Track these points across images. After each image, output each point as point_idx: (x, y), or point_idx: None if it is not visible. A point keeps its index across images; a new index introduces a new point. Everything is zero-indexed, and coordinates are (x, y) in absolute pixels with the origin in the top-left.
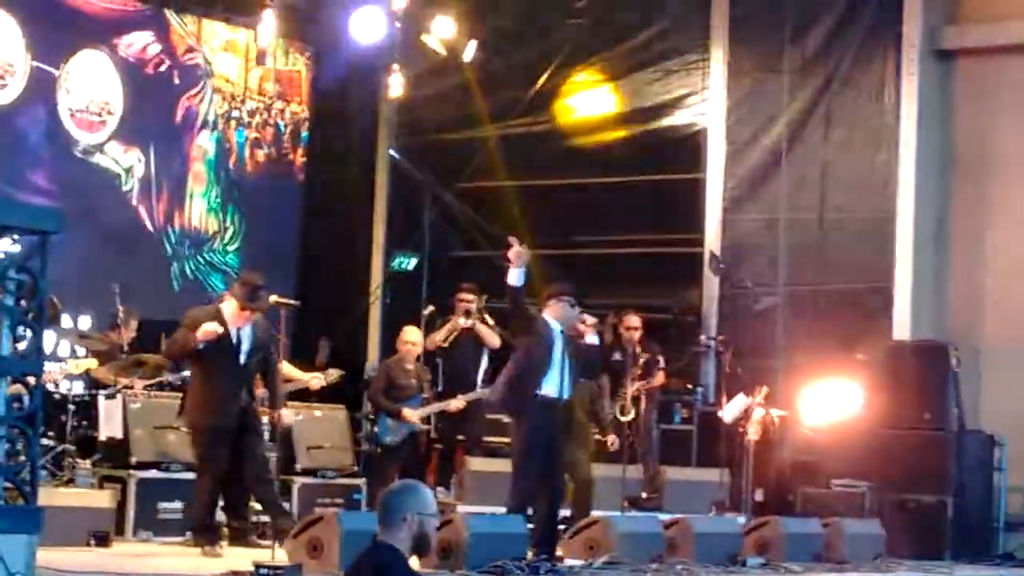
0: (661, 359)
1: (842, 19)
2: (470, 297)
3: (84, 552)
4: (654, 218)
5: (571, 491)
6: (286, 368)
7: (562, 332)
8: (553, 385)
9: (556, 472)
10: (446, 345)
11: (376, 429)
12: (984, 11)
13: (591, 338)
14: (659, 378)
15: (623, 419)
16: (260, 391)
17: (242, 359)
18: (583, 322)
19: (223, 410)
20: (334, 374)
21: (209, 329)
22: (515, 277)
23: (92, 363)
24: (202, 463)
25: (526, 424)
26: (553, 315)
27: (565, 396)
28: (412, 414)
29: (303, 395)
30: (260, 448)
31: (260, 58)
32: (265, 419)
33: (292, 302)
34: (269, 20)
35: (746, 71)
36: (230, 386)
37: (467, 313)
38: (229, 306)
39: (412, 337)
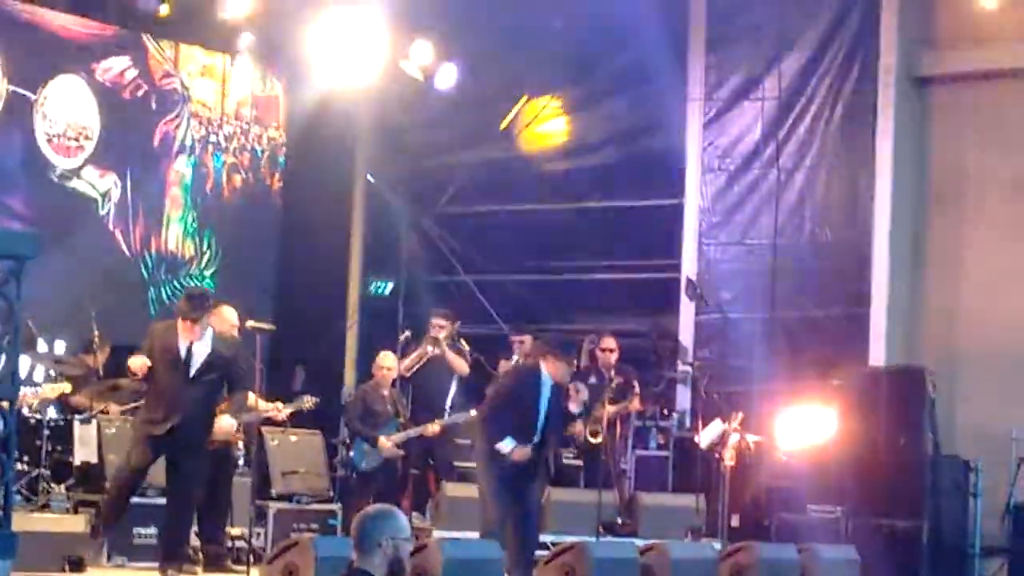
0: (636, 383)
1: (819, 45)
2: (442, 323)
3: None
4: (630, 244)
5: None
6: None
7: (554, 386)
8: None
9: (528, 497)
10: (407, 375)
11: (352, 455)
12: (959, 38)
13: (573, 407)
14: (634, 403)
15: (593, 442)
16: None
17: (191, 373)
18: (576, 391)
19: (159, 418)
20: (309, 401)
21: (136, 364)
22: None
23: (66, 387)
24: (119, 464)
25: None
26: (551, 370)
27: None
28: (387, 444)
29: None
30: (198, 468)
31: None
32: (240, 443)
33: (267, 327)
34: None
35: (723, 97)
36: (174, 399)
37: (435, 341)
38: (180, 322)
39: (388, 363)
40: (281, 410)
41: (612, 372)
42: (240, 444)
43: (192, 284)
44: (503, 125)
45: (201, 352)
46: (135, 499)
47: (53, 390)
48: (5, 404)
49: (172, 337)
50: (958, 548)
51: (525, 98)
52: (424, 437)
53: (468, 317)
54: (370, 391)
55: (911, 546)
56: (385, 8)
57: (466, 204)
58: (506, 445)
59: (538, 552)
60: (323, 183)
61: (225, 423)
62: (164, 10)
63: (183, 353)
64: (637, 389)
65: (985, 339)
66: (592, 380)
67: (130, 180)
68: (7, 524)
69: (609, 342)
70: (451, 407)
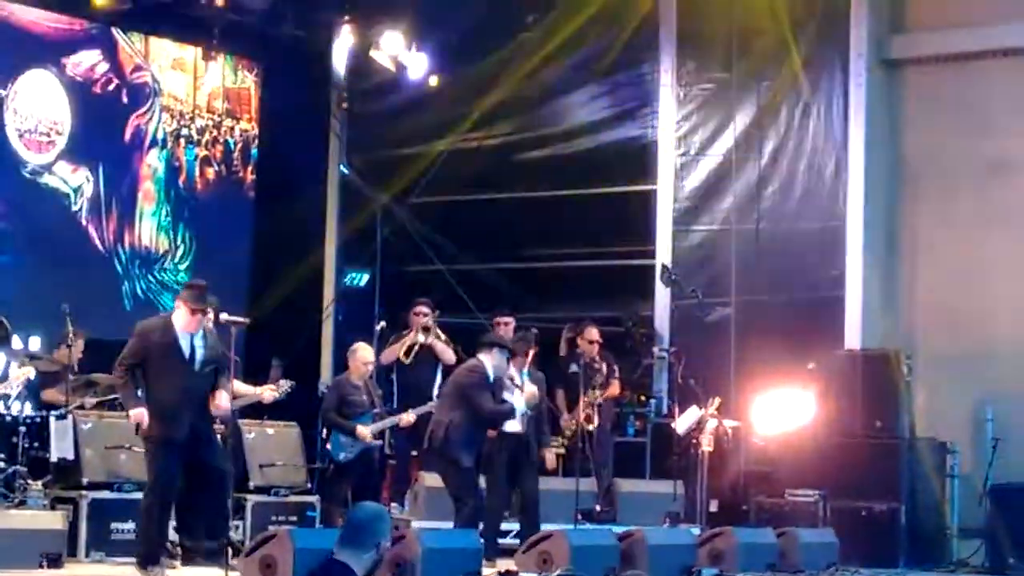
0: (615, 369)
1: (790, 29)
2: (426, 311)
3: (36, 574)
4: (605, 230)
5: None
6: (237, 385)
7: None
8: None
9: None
10: (408, 361)
11: (329, 447)
12: (930, 21)
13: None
14: (614, 388)
15: (589, 428)
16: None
17: (196, 366)
18: (511, 379)
19: (175, 419)
20: (285, 384)
21: (137, 416)
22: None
23: (30, 371)
24: (154, 477)
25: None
26: (491, 362)
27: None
28: (365, 432)
29: (256, 412)
30: (219, 462)
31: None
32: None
33: (242, 320)
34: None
35: (694, 82)
36: (186, 395)
37: (425, 329)
38: (180, 315)
39: (363, 354)
40: (264, 391)
41: (597, 359)
42: (218, 437)
43: (166, 278)
44: (476, 113)
45: (201, 345)
46: (112, 494)
47: (19, 376)
48: None
49: (170, 332)
50: (936, 530)
51: (498, 86)
52: (404, 428)
53: (444, 307)
54: (345, 382)
55: (889, 528)
56: None
57: (440, 193)
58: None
59: (515, 540)
60: (296, 175)
61: (224, 400)
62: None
63: (187, 347)
64: (617, 374)
65: (960, 321)
66: (573, 368)
67: (102, 175)
68: None
69: (594, 333)
70: (438, 396)
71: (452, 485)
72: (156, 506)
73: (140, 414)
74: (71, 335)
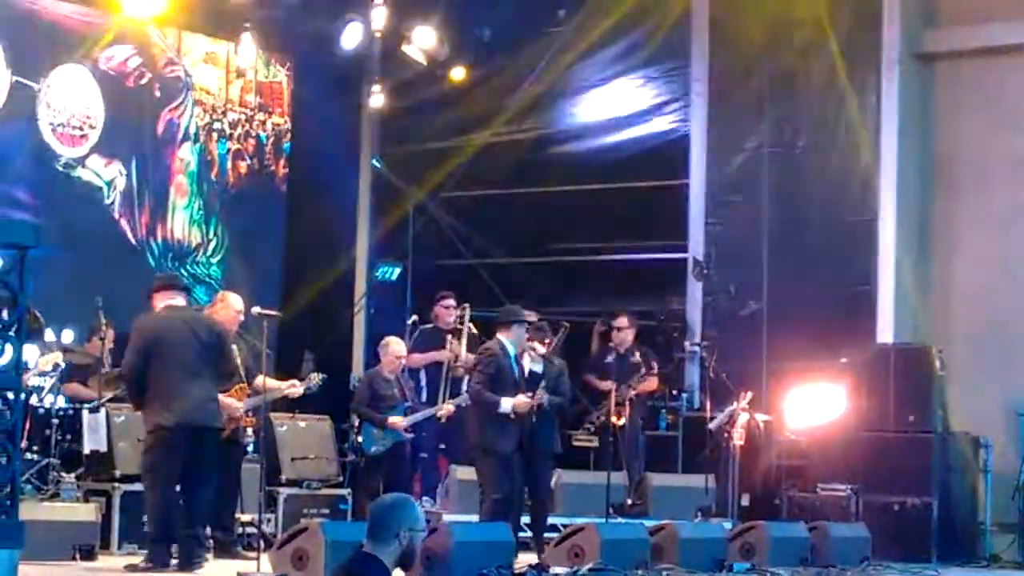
0: (654, 364)
1: (821, 23)
2: (452, 303)
3: (70, 566)
4: (638, 225)
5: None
6: (263, 379)
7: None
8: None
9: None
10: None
11: (360, 439)
12: (962, 14)
13: (534, 365)
14: (651, 382)
15: (618, 423)
16: (245, 401)
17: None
18: (534, 350)
19: (176, 408)
20: (316, 378)
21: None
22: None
23: (57, 356)
24: (155, 468)
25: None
26: (510, 338)
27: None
28: (398, 420)
29: (288, 405)
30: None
31: (240, 73)
32: (249, 430)
33: (274, 313)
34: (248, 40)
35: (726, 76)
36: (189, 385)
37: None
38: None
39: (395, 348)
40: (297, 386)
41: (633, 349)
42: (249, 431)
43: (199, 271)
44: (508, 108)
45: (204, 330)
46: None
47: (46, 362)
48: (11, 394)
49: (174, 322)
50: (968, 525)
51: (529, 81)
52: (435, 421)
53: (476, 301)
54: (376, 376)
55: (921, 523)
56: None
57: (473, 188)
58: (506, 404)
59: (548, 534)
60: (328, 169)
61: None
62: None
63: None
64: (656, 369)
65: (993, 315)
66: (608, 359)
67: (135, 168)
68: (14, 513)
69: (623, 320)
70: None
71: (477, 475)
72: (159, 496)
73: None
74: (104, 327)
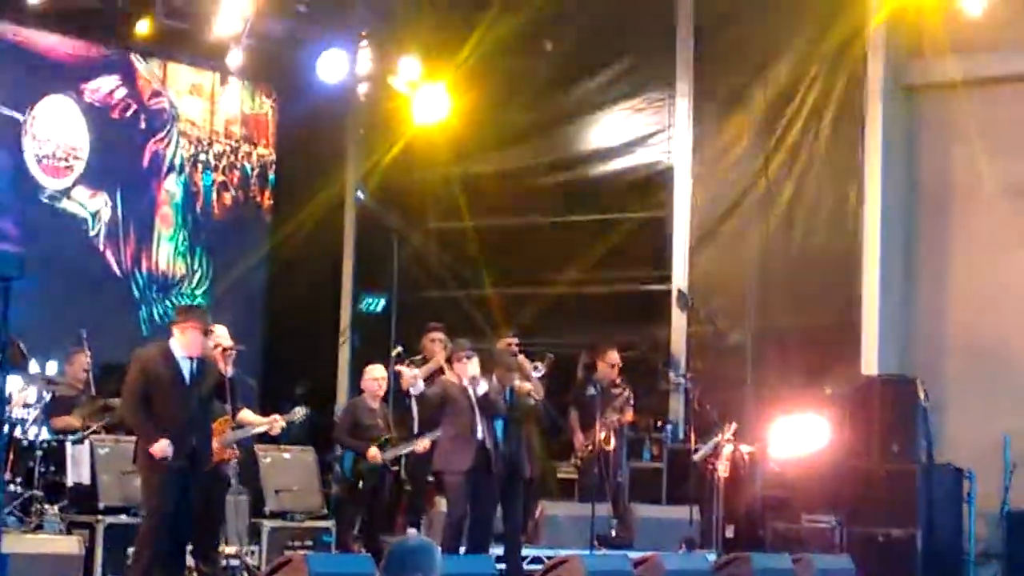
0: (630, 395)
1: (806, 54)
2: (441, 336)
3: None
4: (621, 255)
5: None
6: (245, 414)
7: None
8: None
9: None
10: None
11: (340, 468)
12: (947, 46)
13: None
14: (628, 414)
15: (607, 448)
16: (227, 435)
17: (203, 391)
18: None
19: (178, 446)
20: (299, 412)
21: (159, 451)
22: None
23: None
24: (149, 509)
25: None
26: (459, 372)
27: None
28: (376, 453)
29: (272, 436)
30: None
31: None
32: (232, 462)
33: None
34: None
35: (711, 108)
36: (186, 421)
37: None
38: (184, 339)
39: (377, 374)
40: (279, 420)
41: (617, 381)
42: (234, 463)
43: (183, 302)
44: (492, 139)
45: (200, 368)
46: (128, 519)
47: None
48: None
49: (170, 358)
50: (953, 555)
51: (513, 112)
52: (420, 453)
53: (461, 332)
54: (360, 405)
55: (906, 554)
56: (372, 25)
57: (457, 219)
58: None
59: (532, 566)
60: (313, 200)
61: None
62: (145, 28)
63: (187, 372)
64: (632, 401)
65: (976, 347)
66: (590, 391)
67: (120, 199)
68: None
69: (614, 356)
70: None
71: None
72: (151, 532)
73: (164, 446)
74: (87, 359)
